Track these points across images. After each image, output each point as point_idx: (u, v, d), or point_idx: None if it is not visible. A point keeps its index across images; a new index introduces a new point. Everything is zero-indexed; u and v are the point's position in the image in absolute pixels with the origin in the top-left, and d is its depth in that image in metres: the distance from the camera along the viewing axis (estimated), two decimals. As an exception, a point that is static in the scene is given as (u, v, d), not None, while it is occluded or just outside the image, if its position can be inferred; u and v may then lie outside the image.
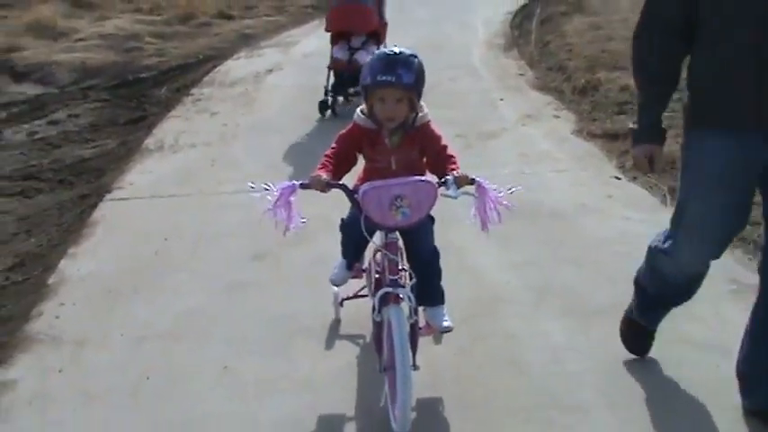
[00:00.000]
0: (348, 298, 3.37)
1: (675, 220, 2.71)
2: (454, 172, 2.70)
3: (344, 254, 3.19)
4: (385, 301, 2.71)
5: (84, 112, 7.31)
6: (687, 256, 2.67)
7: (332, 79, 6.86)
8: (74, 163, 5.91)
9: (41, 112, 7.30)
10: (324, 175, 2.71)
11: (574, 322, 3.37)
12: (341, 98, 6.93)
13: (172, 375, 3.09)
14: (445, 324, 3.01)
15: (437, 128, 2.86)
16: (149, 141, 6.25)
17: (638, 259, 3.01)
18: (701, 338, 3.23)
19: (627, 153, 5.34)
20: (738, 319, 3.01)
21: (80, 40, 10.68)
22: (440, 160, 2.81)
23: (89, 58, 9.64)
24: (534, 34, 10.81)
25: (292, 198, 2.66)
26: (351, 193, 2.73)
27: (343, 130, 2.91)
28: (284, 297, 3.69)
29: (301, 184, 2.67)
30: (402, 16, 12.00)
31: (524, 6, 13.22)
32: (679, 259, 2.69)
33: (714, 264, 2.78)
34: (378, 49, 5.96)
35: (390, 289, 2.70)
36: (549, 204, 4.65)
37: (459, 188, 2.65)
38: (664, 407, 2.83)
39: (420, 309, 2.94)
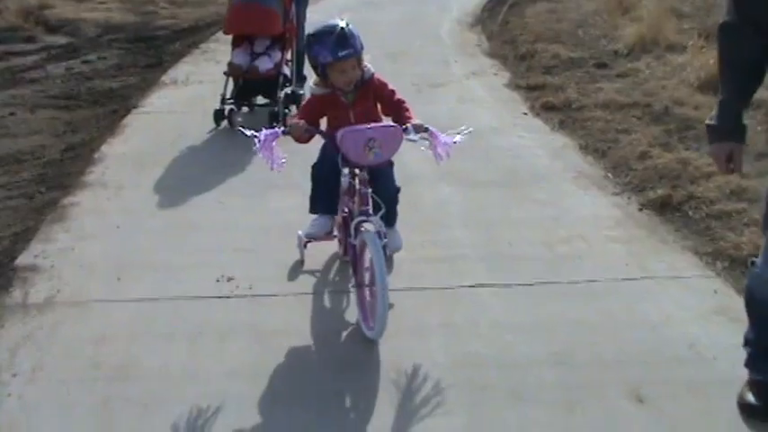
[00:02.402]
0: (310, 240, 3.72)
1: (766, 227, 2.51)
2: (411, 120, 3.24)
3: (318, 203, 3.64)
4: (360, 227, 3.18)
5: (111, 55, 8.82)
6: None
7: (230, 86, 6.17)
8: (104, 90, 7.40)
9: (75, 54, 8.81)
10: (302, 122, 3.19)
11: (463, 188, 4.88)
12: (244, 108, 6.30)
13: (180, 203, 4.63)
14: (399, 244, 3.69)
15: (382, 77, 3.42)
16: (165, 78, 7.75)
17: (517, 156, 4.56)
18: None
19: (539, 99, 6.88)
20: None
21: (102, 2, 12.14)
22: (393, 105, 3.37)
23: (111, 17, 11.11)
24: (501, 15, 12.33)
25: (275, 143, 3.07)
26: (329, 136, 3.21)
27: (303, 103, 3.48)
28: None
29: (283, 130, 3.11)
30: (395, -3, 13.75)
31: (501, -7, 14.75)
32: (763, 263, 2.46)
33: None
34: (282, 55, 6.14)
35: (364, 217, 3.18)
36: (469, 125, 6.16)
37: (417, 134, 3.20)
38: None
39: None
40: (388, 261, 3.60)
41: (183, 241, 4.12)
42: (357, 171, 3.27)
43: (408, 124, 3.19)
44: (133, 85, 7.65)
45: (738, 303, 3.38)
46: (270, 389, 2.86)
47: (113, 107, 6.79)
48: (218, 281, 3.65)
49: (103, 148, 5.62)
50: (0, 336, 3.21)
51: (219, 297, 3.53)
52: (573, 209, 4.53)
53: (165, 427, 2.66)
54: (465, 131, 3.29)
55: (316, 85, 3.35)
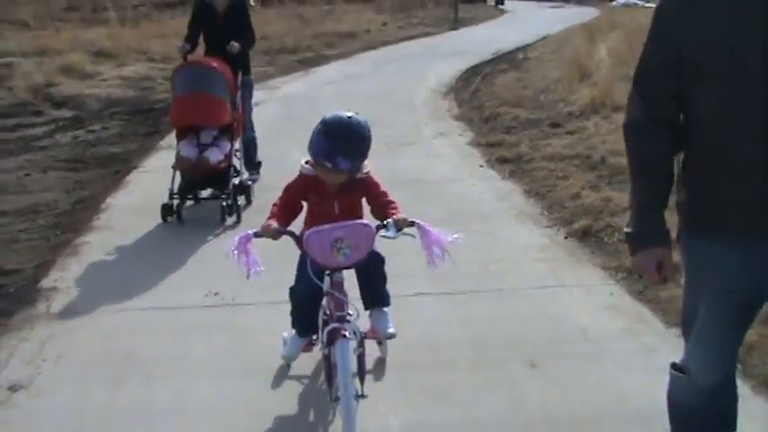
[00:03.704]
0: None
1: (684, 330, 2.35)
2: (395, 215, 2.97)
3: (295, 323, 3.37)
4: (333, 336, 2.93)
5: (113, 125, 9.76)
6: (697, 361, 2.27)
7: (177, 179, 5.84)
8: (108, 155, 8.27)
9: (80, 125, 9.74)
10: (274, 224, 2.96)
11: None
12: (189, 201, 5.98)
13: (174, 240, 5.43)
14: (390, 331, 3.38)
15: (376, 177, 3.18)
16: (162, 143, 8.64)
17: (468, 199, 5.40)
18: None
19: (495, 154, 7.78)
20: None
21: (104, 80, 13.18)
22: (381, 205, 3.11)
23: (112, 93, 12.11)
24: (473, 85, 13.40)
25: (249, 245, 2.89)
26: (298, 239, 2.94)
27: (290, 181, 3.18)
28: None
29: (255, 233, 2.91)
30: (375, 70, 14.92)
31: (477, 65, 15.88)
32: (691, 368, 2.28)
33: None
34: (231, 145, 5.94)
35: (337, 324, 2.93)
36: (430, 177, 7.03)
37: (398, 230, 2.90)
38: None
39: (366, 312, 3.36)
40: (368, 371, 3.30)
41: (176, 267, 4.91)
42: (330, 274, 3.01)
43: (390, 219, 2.94)
44: (133, 150, 8.54)
45: (626, 303, 4.19)
46: (245, 365, 3.61)
47: (116, 168, 7.65)
48: (206, 295, 4.43)
49: (109, 200, 6.47)
50: (31, 335, 4.00)
51: (207, 306, 4.30)
52: (509, 238, 5.35)
53: (164, 393, 3.41)
54: (456, 236, 3.02)
55: (307, 163, 3.12)
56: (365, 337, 3.20)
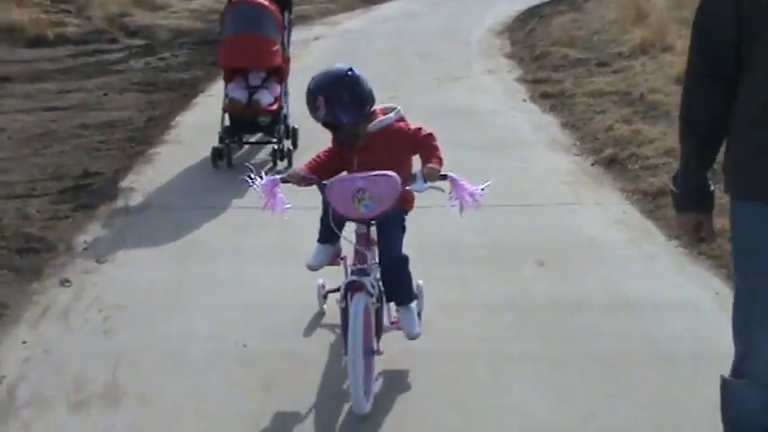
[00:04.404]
0: (332, 291, 3.38)
1: (738, 324, 2.12)
2: (427, 165, 2.84)
3: (320, 238, 3.33)
4: (350, 288, 2.87)
5: (182, 54, 10.38)
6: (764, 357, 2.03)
7: (226, 122, 5.75)
8: (177, 80, 8.89)
9: (152, 53, 10.40)
10: (301, 170, 2.97)
11: (457, 150, 6.15)
12: (234, 144, 5.84)
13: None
14: (416, 331, 3.10)
15: (402, 124, 3.05)
16: (227, 71, 9.25)
17: (507, 129, 5.85)
18: None
19: (538, 89, 8.13)
20: None
21: (174, 12, 13.81)
22: (420, 149, 2.99)
23: (181, 24, 12.73)
24: (529, 25, 13.56)
25: (276, 189, 2.90)
26: (322, 187, 2.87)
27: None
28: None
29: (281, 178, 2.91)
30: (434, 9, 15.22)
31: (536, 6, 15.94)
32: (756, 368, 2.05)
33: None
34: (281, 88, 5.75)
35: (355, 277, 2.87)
36: (474, 109, 7.44)
37: (426, 182, 2.80)
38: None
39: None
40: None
41: (235, 176, 5.51)
42: (355, 225, 2.96)
43: (417, 171, 2.86)
44: (200, 76, 9.14)
45: (636, 219, 4.62)
46: (289, 252, 4.18)
47: (185, 92, 8.28)
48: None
49: (178, 118, 7.12)
50: (113, 222, 4.72)
51: (260, 207, 4.91)
52: (539, 163, 5.78)
53: (223, 270, 4.03)
54: (486, 185, 3.00)
55: None
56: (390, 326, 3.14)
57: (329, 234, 3.21)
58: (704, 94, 2.12)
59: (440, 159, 2.93)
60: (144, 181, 5.42)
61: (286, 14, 6.02)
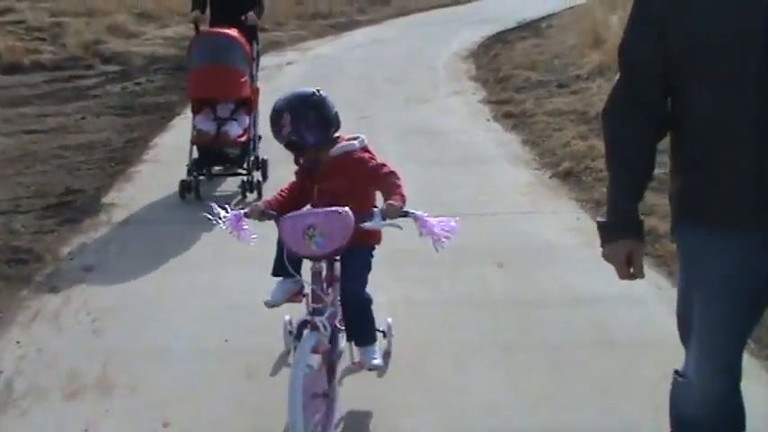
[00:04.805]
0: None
1: (682, 333, 2.20)
2: (388, 202, 2.73)
3: (276, 267, 3.22)
4: (302, 328, 2.81)
5: (156, 79, 10.66)
6: (699, 366, 2.12)
7: (194, 155, 5.67)
8: (153, 104, 9.16)
9: (128, 78, 10.67)
10: (261, 205, 2.91)
11: (423, 166, 6.49)
12: (202, 177, 5.68)
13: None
14: (374, 362, 3.07)
15: (362, 153, 2.98)
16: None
17: (471, 146, 6.18)
18: None
19: (501, 110, 8.53)
20: None
21: (147, 39, 14.08)
22: (380, 185, 2.90)
23: (155, 51, 12.99)
24: (494, 50, 14.05)
25: (241, 223, 2.86)
26: (278, 223, 2.81)
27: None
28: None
29: (244, 213, 2.86)
30: (402, 35, 15.69)
31: (500, 33, 16.49)
32: (693, 375, 2.14)
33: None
34: (250, 119, 5.70)
35: (309, 317, 2.79)
36: (440, 129, 7.81)
37: (385, 219, 2.70)
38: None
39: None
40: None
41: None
42: (311, 263, 2.84)
43: (376, 208, 2.77)
44: (175, 100, 9.39)
45: (590, 225, 4.96)
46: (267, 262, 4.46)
47: (161, 115, 8.55)
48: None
49: (156, 140, 7.38)
50: (97, 236, 4.97)
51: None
52: (500, 177, 6.15)
53: (202, 277, 4.29)
54: (455, 220, 2.88)
55: None
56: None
57: (280, 266, 3.11)
58: (627, 126, 2.07)
59: (402, 197, 2.81)
60: (125, 197, 5.67)
61: (254, 45, 6.02)
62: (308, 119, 2.86)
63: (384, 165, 2.96)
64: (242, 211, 2.89)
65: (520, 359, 3.43)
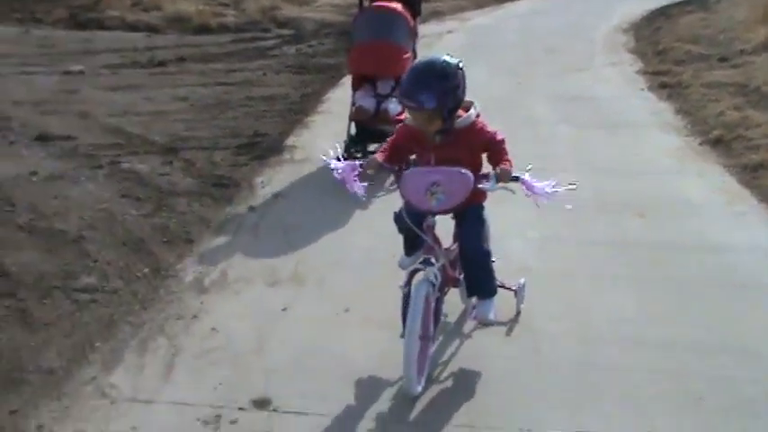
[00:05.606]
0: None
1: None
2: (500, 167, 2.94)
3: (405, 251, 3.42)
4: (412, 276, 3.04)
5: (327, 42, 11.53)
6: None
7: (352, 131, 5.73)
8: (324, 64, 9.99)
9: (301, 41, 11.62)
10: (379, 158, 3.03)
11: (576, 128, 6.86)
12: (359, 154, 5.50)
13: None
14: (489, 317, 3.23)
15: (482, 125, 3.11)
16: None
17: (623, 113, 6.54)
18: None
19: (657, 80, 8.66)
20: None
21: (318, 6, 15.08)
22: (492, 151, 3.07)
23: (325, 17, 13.93)
24: (656, 23, 13.89)
25: (354, 174, 2.99)
26: (398, 176, 2.97)
27: (401, 125, 3.20)
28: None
29: (360, 164, 2.99)
30: (563, 7, 15.78)
31: (666, 6, 16.17)
32: None
33: None
34: None
35: (420, 266, 3.02)
36: (593, 95, 8.10)
37: (498, 183, 2.91)
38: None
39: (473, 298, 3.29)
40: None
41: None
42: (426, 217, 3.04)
43: (491, 171, 2.97)
44: (344, 62, 10.07)
45: (733, 187, 5.21)
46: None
47: (332, 74, 9.35)
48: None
49: (328, 94, 8.17)
50: (282, 170, 5.79)
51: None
52: (651, 141, 6.43)
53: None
54: (571, 186, 3.08)
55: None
56: (446, 286, 3.25)
57: (410, 247, 3.35)
58: None
59: (510, 162, 3.01)
60: (303, 141, 6.48)
61: (417, 20, 5.95)
62: (443, 87, 2.92)
63: (497, 132, 3.12)
64: (357, 162, 3.02)
65: (648, 289, 3.86)
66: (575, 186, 3.08)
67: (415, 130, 3.08)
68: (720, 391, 3.08)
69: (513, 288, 3.57)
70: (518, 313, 3.61)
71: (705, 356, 3.31)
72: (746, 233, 4.49)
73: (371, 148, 5.64)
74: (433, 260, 3.05)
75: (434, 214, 3.04)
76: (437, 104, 2.90)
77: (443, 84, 2.91)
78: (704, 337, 3.45)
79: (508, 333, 3.53)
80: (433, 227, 3.08)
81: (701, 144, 6.30)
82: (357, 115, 5.63)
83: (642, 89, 8.43)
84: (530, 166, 3.04)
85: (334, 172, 3.03)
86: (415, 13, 5.95)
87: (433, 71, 2.93)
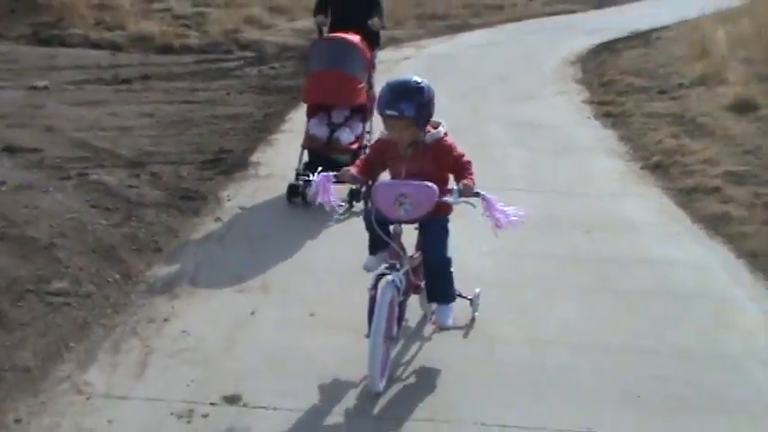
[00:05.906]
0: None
1: None
2: (463, 182, 3.21)
3: (370, 251, 3.68)
4: (380, 279, 3.26)
5: (288, 65, 11.80)
6: None
7: (305, 159, 5.68)
8: (286, 86, 10.22)
9: (263, 63, 11.86)
10: (352, 170, 3.33)
11: (526, 150, 7.23)
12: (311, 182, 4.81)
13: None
14: (449, 322, 3.50)
15: (449, 142, 3.38)
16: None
17: (570, 139, 6.95)
18: None
19: (602, 110, 9.14)
20: None
21: (279, 30, 15.36)
22: (457, 170, 3.32)
23: (286, 41, 14.19)
24: (601, 57, 14.52)
25: (329, 185, 3.26)
26: (369, 188, 3.27)
27: (375, 140, 3.54)
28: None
29: (334, 175, 3.25)
30: (514, 39, 16.34)
31: (610, 42, 16.88)
32: None
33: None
34: (364, 127, 5.70)
35: (386, 270, 3.25)
36: (542, 122, 8.50)
37: (460, 197, 3.19)
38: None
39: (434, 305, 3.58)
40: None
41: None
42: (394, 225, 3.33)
43: (455, 186, 3.23)
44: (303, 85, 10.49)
45: (671, 208, 5.62)
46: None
47: (293, 95, 9.59)
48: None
49: (291, 114, 8.42)
50: (247, 184, 6.00)
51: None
52: (595, 165, 6.84)
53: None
54: (521, 213, 3.34)
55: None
56: (412, 292, 3.51)
57: (375, 246, 3.60)
58: None
59: (473, 179, 3.26)
60: (267, 157, 6.72)
61: (375, 51, 6.05)
62: (420, 100, 3.24)
63: (463, 154, 3.38)
64: (332, 174, 3.27)
65: (593, 298, 4.20)
66: (524, 214, 3.36)
67: (389, 144, 3.36)
68: (656, 390, 3.40)
69: (470, 297, 3.86)
70: (473, 320, 3.88)
71: (643, 358, 3.64)
72: (681, 250, 4.88)
73: None
74: (398, 266, 3.29)
75: (401, 223, 3.32)
76: (416, 113, 3.21)
77: (419, 96, 3.24)
78: (643, 341, 3.78)
79: (465, 336, 3.79)
80: (399, 234, 3.35)
81: (641, 168, 6.73)
82: (309, 143, 5.66)
83: (588, 117, 8.89)
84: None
85: (311, 184, 3.27)
86: (373, 45, 6.06)
87: (408, 85, 3.26)
